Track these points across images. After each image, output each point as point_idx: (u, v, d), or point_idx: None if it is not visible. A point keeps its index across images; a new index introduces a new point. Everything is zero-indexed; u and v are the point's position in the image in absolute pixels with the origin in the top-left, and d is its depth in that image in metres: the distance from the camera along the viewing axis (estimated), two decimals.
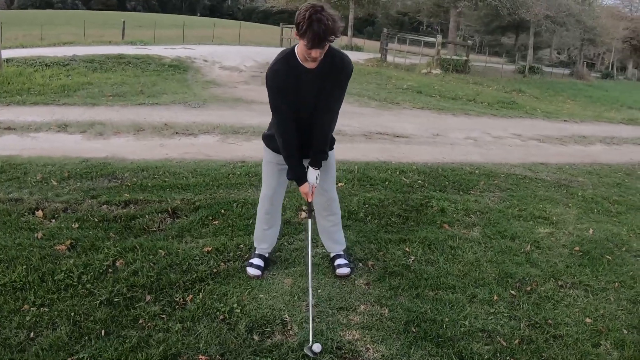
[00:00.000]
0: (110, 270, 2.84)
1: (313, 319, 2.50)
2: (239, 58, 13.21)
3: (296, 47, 2.36)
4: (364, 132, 6.84)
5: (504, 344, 2.65)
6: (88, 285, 2.67)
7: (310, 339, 2.35)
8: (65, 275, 2.72)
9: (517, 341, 2.64)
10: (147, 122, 6.43)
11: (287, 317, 2.60)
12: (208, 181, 4.22)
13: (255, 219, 3.08)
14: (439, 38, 18.88)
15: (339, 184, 4.58)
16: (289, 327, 2.53)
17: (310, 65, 2.33)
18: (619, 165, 7.22)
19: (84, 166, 4.55)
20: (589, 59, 43.00)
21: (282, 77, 2.32)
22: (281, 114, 2.41)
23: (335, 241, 3.09)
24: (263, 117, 6.88)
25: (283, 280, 2.93)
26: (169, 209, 3.64)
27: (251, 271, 2.93)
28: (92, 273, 2.77)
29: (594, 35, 30.53)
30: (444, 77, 16.13)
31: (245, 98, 8.73)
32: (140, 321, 2.43)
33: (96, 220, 3.44)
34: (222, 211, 3.67)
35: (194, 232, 3.36)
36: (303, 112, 2.46)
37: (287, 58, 2.37)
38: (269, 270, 3.02)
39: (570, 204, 5.21)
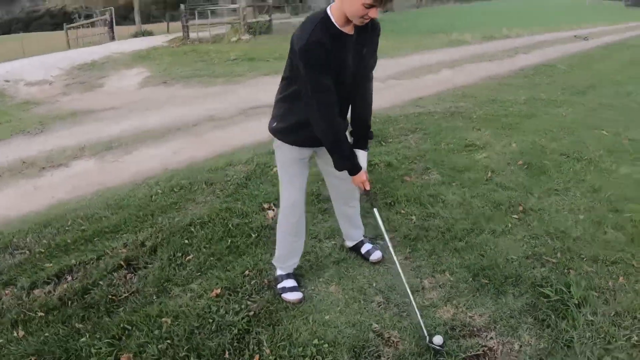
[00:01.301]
0: None
1: (409, 314, 2.42)
2: (42, 70, 11.51)
3: (329, 10, 2.09)
4: (240, 110, 6.58)
5: (552, 260, 3.03)
6: None
7: (425, 333, 2.28)
8: None
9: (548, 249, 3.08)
10: None
11: (377, 325, 2.38)
12: (134, 212, 3.50)
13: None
14: (243, 2, 19.04)
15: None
16: (388, 336, 2.31)
17: (349, 29, 2.13)
18: (473, 84, 8.60)
19: None
20: None
21: (326, 48, 2.05)
22: (325, 92, 2.11)
23: (357, 226, 2.93)
24: (119, 125, 6.02)
25: (329, 291, 2.66)
26: (121, 263, 2.93)
27: (291, 297, 2.58)
28: None
29: None
30: (255, 41, 16.56)
31: (80, 109, 7.73)
32: None
33: (36, 315, 2.53)
34: (185, 241, 3.13)
35: (176, 280, 2.76)
36: (345, 85, 2.22)
37: (325, 25, 2.08)
38: (304, 287, 2.75)
39: (477, 127, 6.05)
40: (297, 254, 2.70)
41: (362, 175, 2.35)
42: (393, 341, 2.29)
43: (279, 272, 2.69)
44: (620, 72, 11.58)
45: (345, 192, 2.73)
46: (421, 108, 6.73)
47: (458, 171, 4.47)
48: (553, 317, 2.48)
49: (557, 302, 2.58)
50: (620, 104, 7.63)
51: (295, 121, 2.33)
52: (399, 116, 6.33)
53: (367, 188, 2.40)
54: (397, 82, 8.62)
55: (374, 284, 2.71)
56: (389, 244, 2.45)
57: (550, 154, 4.99)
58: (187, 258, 2.93)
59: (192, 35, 17.63)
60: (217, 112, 6.39)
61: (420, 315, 2.32)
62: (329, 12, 2.10)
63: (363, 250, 2.96)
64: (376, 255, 2.93)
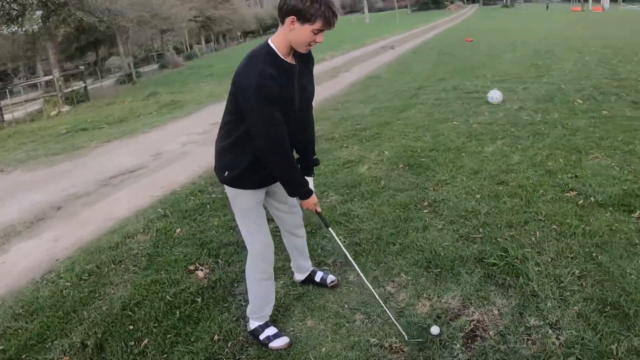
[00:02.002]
0: None
1: (397, 319, 2.61)
2: None
3: (271, 42, 2.22)
4: (101, 182, 6.16)
5: (478, 236, 3.52)
6: None
7: (404, 334, 2.49)
8: None
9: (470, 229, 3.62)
10: None
11: (374, 339, 2.50)
12: (53, 314, 2.91)
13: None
14: (56, 73, 17.97)
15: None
16: (389, 345, 2.46)
17: (291, 59, 2.26)
18: (315, 108, 9.31)
19: None
20: (174, 47, 49.39)
21: (278, 81, 2.15)
22: (278, 125, 2.20)
23: (307, 257, 3.04)
24: None
25: (309, 326, 2.67)
26: None
27: (280, 343, 2.53)
28: None
29: (170, 24, 35.38)
30: (77, 111, 15.93)
31: None
32: None
33: None
34: (130, 327, 2.83)
35: None
36: (292, 116, 2.35)
37: (272, 58, 2.19)
38: (283, 331, 2.74)
39: (345, 145, 6.59)
40: (272, 298, 2.72)
41: (314, 198, 2.51)
42: (396, 347, 2.46)
43: (254, 325, 2.68)
44: (435, 70, 13.51)
45: (292, 222, 2.85)
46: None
47: (352, 187, 4.84)
48: (508, 279, 2.90)
49: (505, 266, 3.02)
50: (453, 97, 8.94)
51: (250, 163, 2.37)
52: None
53: (319, 210, 2.57)
54: None
55: (346, 305, 2.86)
56: (350, 258, 2.65)
57: (422, 152, 5.69)
58: (143, 344, 2.73)
59: (7, 117, 16.18)
60: (78, 189, 5.94)
61: (395, 319, 2.53)
62: (271, 45, 2.22)
63: (317, 278, 3.09)
64: (331, 278, 3.09)
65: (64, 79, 19.28)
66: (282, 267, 3.27)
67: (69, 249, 4.05)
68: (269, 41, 2.23)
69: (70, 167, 7.21)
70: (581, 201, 3.95)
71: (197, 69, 28.55)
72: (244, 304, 2.95)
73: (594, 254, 3.10)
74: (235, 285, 3.16)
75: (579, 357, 2.24)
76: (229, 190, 2.49)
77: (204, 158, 6.51)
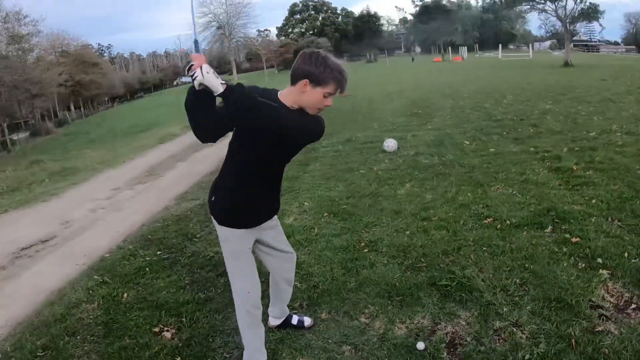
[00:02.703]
0: None
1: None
2: None
3: (280, 97, 2.52)
4: (11, 254, 5.80)
5: (423, 265, 4.08)
6: None
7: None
8: None
9: (412, 260, 4.21)
10: None
11: None
12: None
13: None
14: None
15: None
16: None
17: None
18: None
19: None
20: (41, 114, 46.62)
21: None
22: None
23: (286, 302, 3.34)
24: None
25: None
26: None
27: None
28: None
29: (40, 89, 33.93)
30: None
31: None
32: None
33: None
34: None
35: None
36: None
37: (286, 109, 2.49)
38: None
39: None
40: (263, 343, 2.98)
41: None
42: None
43: None
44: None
45: (285, 270, 3.15)
46: (197, 200, 7.26)
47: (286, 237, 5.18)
48: (464, 295, 3.46)
49: (457, 285, 3.58)
50: (350, 148, 9.73)
51: (246, 199, 2.65)
52: (188, 212, 6.65)
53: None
54: (144, 186, 8.93)
55: (329, 340, 3.17)
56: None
57: (340, 200, 6.22)
58: None
59: None
60: None
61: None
62: (281, 100, 2.53)
63: (294, 321, 3.36)
64: (308, 320, 3.39)
65: None
66: None
67: (5, 327, 3.90)
68: (278, 95, 2.57)
69: None
70: (499, 225, 4.70)
71: (73, 135, 28.83)
72: (227, 355, 3.15)
73: (526, 265, 3.78)
74: (210, 340, 3.34)
75: (547, 344, 2.80)
76: (222, 232, 2.74)
77: (120, 223, 6.50)
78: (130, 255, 5.04)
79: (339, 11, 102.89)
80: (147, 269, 4.61)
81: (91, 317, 3.79)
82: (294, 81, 2.47)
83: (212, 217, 2.75)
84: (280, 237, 3.02)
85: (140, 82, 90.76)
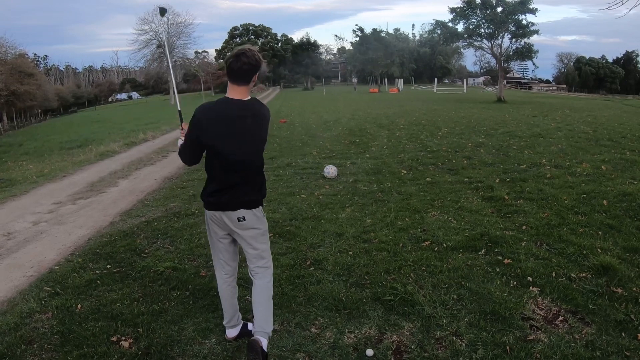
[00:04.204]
0: None
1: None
2: None
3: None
4: None
5: (366, 282, 4.39)
6: None
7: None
8: None
9: (357, 278, 4.52)
10: None
11: None
12: None
13: None
14: None
15: None
16: None
17: None
18: (161, 187, 9.63)
19: None
20: None
21: None
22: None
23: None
24: None
25: None
26: None
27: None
28: None
29: None
30: None
31: None
32: None
33: None
34: None
35: None
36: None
37: None
38: None
39: None
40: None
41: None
42: None
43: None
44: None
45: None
46: (142, 217, 7.26)
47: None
48: (406, 308, 3.79)
49: (400, 300, 3.92)
50: (290, 173, 10.02)
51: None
52: (134, 229, 6.65)
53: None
54: (87, 201, 8.80)
55: (284, 349, 3.40)
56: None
57: (283, 221, 6.47)
58: None
59: None
60: None
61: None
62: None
63: (250, 327, 3.56)
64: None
65: None
66: (207, 328, 3.68)
67: None
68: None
69: None
70: (436, 248, 5.10)
71: (6, 147, 28.33)
72: None
73: (462, 283, 4.17)
74: (169, 348, 3.47)
75: (484, 350, 3.16)
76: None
77: (66, 236, 6.45)
78: (80, 268, 5.06)
79: (279, 37, 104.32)
80: (98, 281, 4.67)
81: (46, 326, 3.84)
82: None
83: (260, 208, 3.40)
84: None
85: (75, 96, 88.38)
